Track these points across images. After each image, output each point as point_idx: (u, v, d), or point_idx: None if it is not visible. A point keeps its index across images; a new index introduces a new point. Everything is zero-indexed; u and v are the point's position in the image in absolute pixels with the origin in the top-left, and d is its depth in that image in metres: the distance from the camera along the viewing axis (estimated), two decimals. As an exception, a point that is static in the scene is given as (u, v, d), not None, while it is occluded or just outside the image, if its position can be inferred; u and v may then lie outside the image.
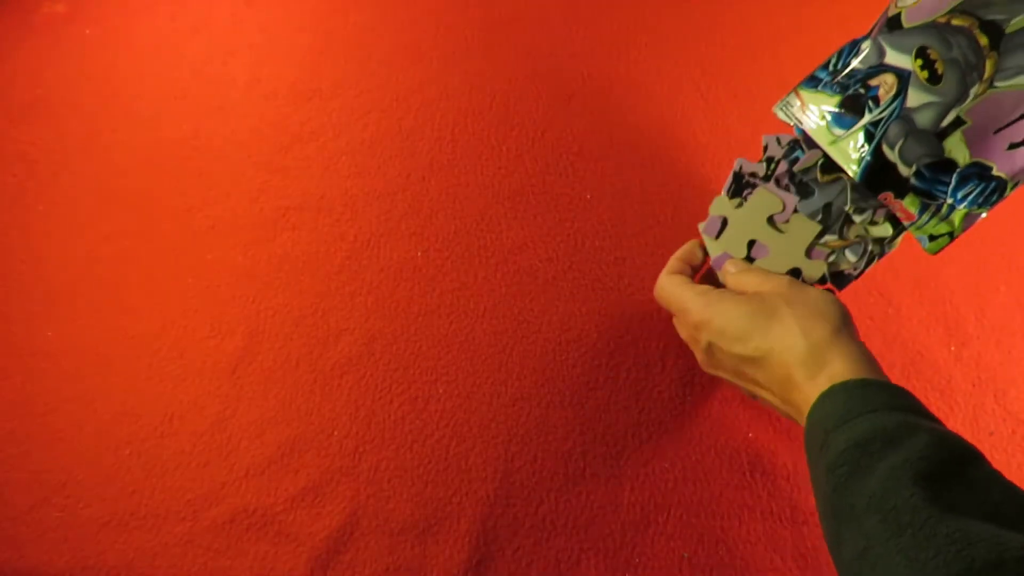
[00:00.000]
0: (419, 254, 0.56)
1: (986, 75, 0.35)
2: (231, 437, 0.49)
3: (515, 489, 0.47)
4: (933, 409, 0.49)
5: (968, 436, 0.48)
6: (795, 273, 0.44)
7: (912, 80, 0.37)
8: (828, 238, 0.44)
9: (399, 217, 0.57)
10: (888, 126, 0.38)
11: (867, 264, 0.44)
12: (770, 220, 0.44)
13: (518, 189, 0.58)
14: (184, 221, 0.58)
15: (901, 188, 0.39)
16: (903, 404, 0.32)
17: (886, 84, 0.38)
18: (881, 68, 0.38)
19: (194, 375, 0.51)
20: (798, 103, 0.42)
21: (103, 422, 0.50)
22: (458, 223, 0.57)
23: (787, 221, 0.44)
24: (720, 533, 0.46)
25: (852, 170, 0.39)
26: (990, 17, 0.34)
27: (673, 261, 0.46)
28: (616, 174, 0.59)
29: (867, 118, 0.39)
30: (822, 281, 0.45)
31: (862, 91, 0.39)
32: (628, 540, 0.45)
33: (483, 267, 0.55)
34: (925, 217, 0.39)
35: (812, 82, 0.42)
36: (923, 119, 0.37)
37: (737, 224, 0.46)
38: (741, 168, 0.49)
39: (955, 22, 0.35)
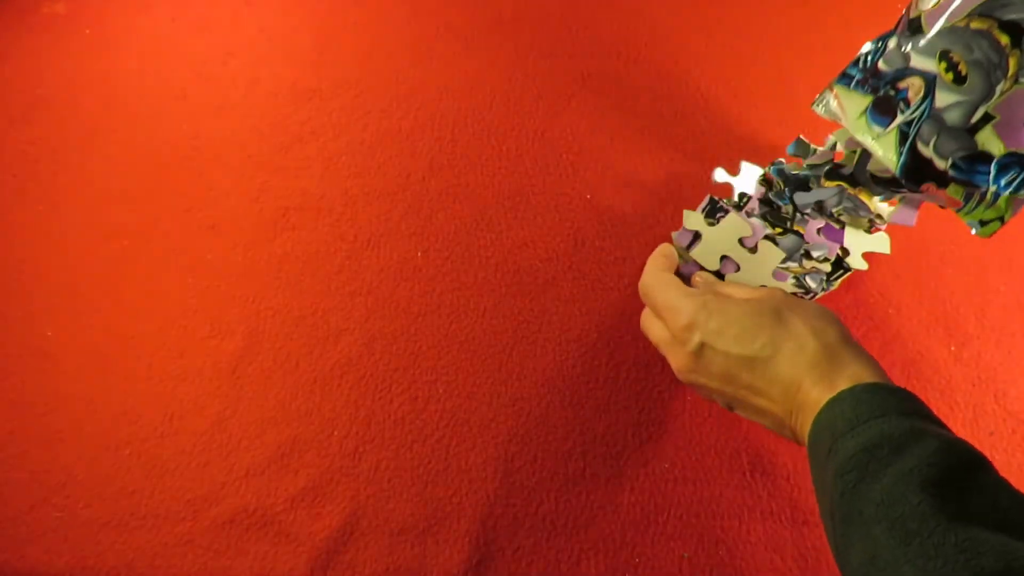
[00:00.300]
0: (419, 254, 0.56)
1: (1010, 72, 0.36)
2: (231, 437, 0.49)
3: (515, 489, 0.47)
4: (933, 409, 0.49)
5: (968, 436, 0.48)
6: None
7: (938, 82, 0.38)
8: (791, 265, 0.49)
9: (399, 217, 0.57)
10: (920, 126, 0.39)
11: (807, 295, 0.49)
12: (740, 242, 0.49)
13: (518, 189, 0.58)
14: (184, 221, 0.58)
15: (941, 179, 0.40)
16: (912, 409, 0.32)
17: (914, 86, 0.40)
18: (907, 71, 0.40)
19: (194, 375, 0.51)
20: (834, 99, 0.44)
21: (103, 422, 0.50)
22: (458, 223, 0.57)
23: (754, 246, 0.49)
24: (720, 533, 0.46)
25: (893, 165, 0.41)
26: (1008, 17, 0.35)
27: (659, 258, 0.46)
28: (616, 174, 0.59)
29: (900, 118, 0.40)
30: None
31: (892, 93, 0.41)
32: (628, 540, 0.45)
33: (483, 267, 0.55)
34: (972, 204, 0.40)
35: (845, 79, 0.43)
36: (952, 117, 0.38)
37: (710, 240, 0.49)
38: (715, 179, 0.54)
39: (974, 25, 0.36)
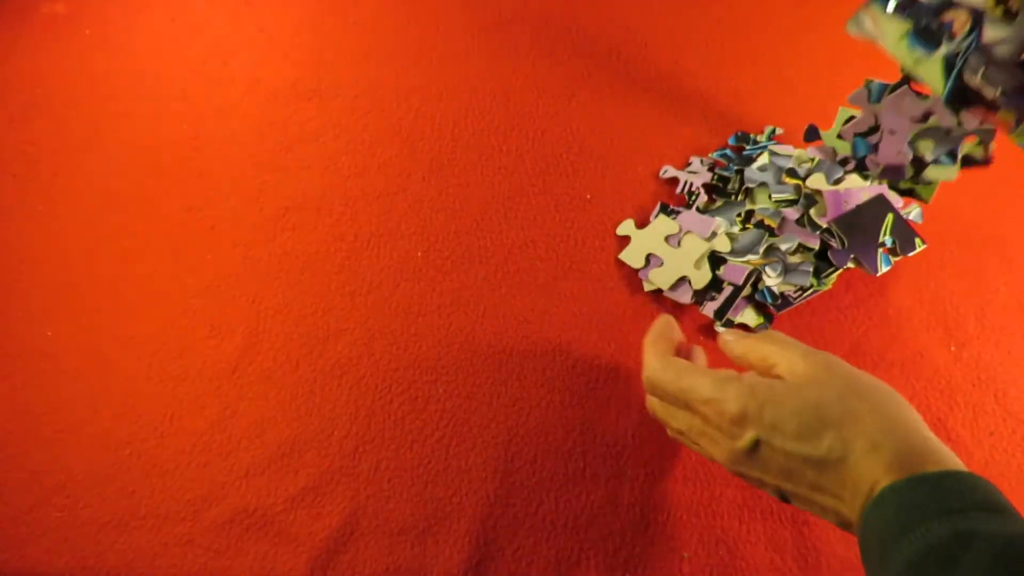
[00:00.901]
0: (419, 254, 0.56)
1: None
2: (231, 437, 0.49)
3: (515, 489, 0.47)
4: (933, 409, 0.49)
5: (968, 436, 0.48)
6: (681, 280, 0.52)
7: (987, 17, 0.38)
8: (750, 257, 0.52)
9: (399, 217, 0.57)
10: (967, 57, 0.39)
11: (804, 293, 0.51)
12: (667, 239, 0.54)
13: (518, 189, 0.58)
14: (184, 221, 0.58)
15: (991, 105, 0.41)
16: (955, 504, 0.29)
17: (959, 19, 0.39)
18: (951, 4, 0.39)
19: (194, 375, 0.51)
20: (869, 20, 0.43)
21: (103, 422, 0.50)
22: (458, 223, 0.57)
23: (679, 242, 0.53)
24: (720, 533, 0.46)
25: (939, 91, 0.42)
26: None
27: (660, 341, 0.41)
28: (616, 174, 0.59)
29: (944, 49, 0.40)
30: (711, 287, 0.52)
31: (935, 25, 0.40)
32: (628, 540, 0.45)
33: (483, 267, 0.55)
34: (1023, 128, 0.40)
35: (882, 0, 0.42)
36: (1001, 52, 0.38)
37: (638, 242, 0.54)
38: (662, 175, 0.58)
39: None
